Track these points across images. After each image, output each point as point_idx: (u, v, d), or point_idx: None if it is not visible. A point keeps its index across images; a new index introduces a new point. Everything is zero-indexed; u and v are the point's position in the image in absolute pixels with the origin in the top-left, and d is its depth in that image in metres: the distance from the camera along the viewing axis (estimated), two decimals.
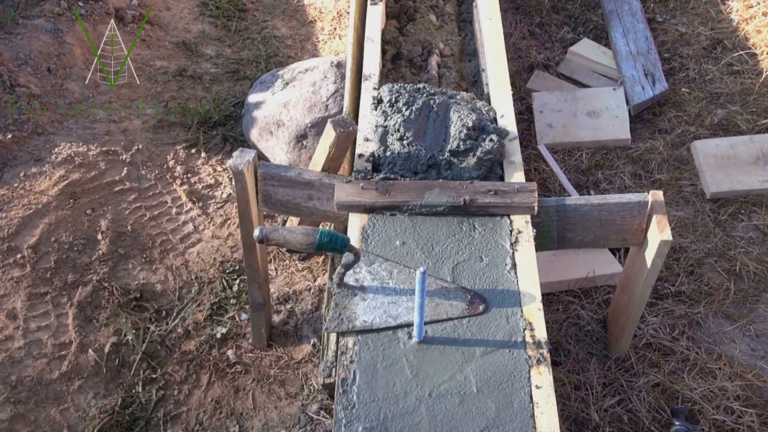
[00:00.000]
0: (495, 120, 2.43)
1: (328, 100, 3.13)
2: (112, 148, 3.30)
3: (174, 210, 3.15)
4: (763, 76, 3.69)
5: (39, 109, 3.38)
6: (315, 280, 2.94)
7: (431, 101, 2.32)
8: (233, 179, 2.20)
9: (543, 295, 1.98)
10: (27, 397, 2.52)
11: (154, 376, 2.63)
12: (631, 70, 3.72)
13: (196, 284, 2.90)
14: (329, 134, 2.34)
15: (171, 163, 3.31)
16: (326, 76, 3.19)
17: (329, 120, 2.33)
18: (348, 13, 4.16)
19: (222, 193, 3.23)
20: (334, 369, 2.22)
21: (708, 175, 3.26)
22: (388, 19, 3.14)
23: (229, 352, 2.69)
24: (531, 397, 1.72)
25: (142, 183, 3.22)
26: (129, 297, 2.82)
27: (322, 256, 3.00)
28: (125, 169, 3.24)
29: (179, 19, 4.18)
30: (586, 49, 3.94)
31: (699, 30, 3.99)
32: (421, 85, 2.43)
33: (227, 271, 2.94)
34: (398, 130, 2.28)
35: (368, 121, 2.39)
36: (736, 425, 2.45)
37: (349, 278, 1.96)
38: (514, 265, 2.00)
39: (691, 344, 2.70)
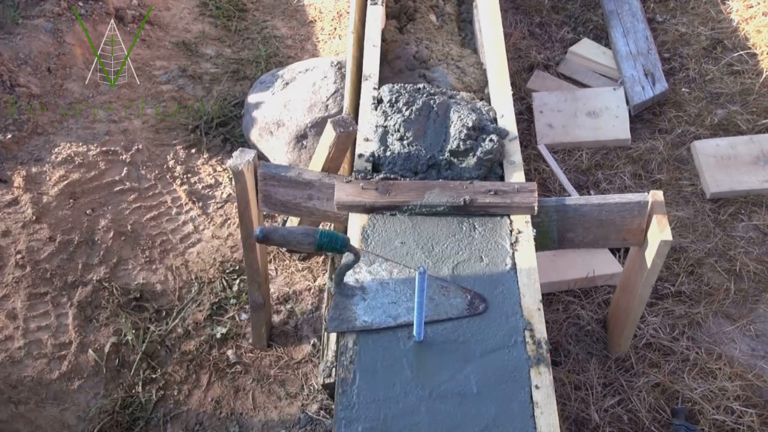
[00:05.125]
0: (495, 120, 2.43)
1: (328, 100, 3.13)
2: (112, 148, 3.30)
3: (174, 210, 3.15)
4: (763, 76, 3.69)
5: (39, 109, 3.38)
6: (315, 280, 2.94)
7: (431, 101, 2.32)
8: (233, 179, 2.20)
9: (543, 295, 1.98)
10: (27, 397, 2.52)
11: (154, 376, 2.63)
12: (631, 70, 3.72)
13: (196, 284, 2.90)
14: (329, 134, 2.34)
15: (171, 163, 3.31)
16: (326, 76, 3.19)
17: (329, 120, 2.33)
18: (348, 13, 4.16)
19: (222, 193, 3.23)
20: (334, 369, 2.22)
21: (708, 175, 3.26)
22: (388, 19, 3.14)
23: (229, 352, 2.69)
24: (531, 397, 1.72)
25: (142, 183, 3.22)
26: (129, 297, 2.82)
27: (322, 256, 3.00)
28: (125, 169, 3.23)
29: (179, 19, 4.18)
30: (586, 49, 3.94)
31: (699, 30, 3.99)
32: (421, 85, 2.43)
33: (227, 271, 2.94)
34: (398, 130, 2.28)
35: (368, 121, 2.39)
36: (736, 425, 2.45)
37: (349, 278, 1.96)
38: (514, 265, 2.00)
39: (691, 344, 2.70)
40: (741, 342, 2.74)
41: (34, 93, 3.41)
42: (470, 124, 2.25)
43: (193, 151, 3.39)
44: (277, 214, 3.07)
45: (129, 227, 3.04)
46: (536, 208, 2.12)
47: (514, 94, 2.68)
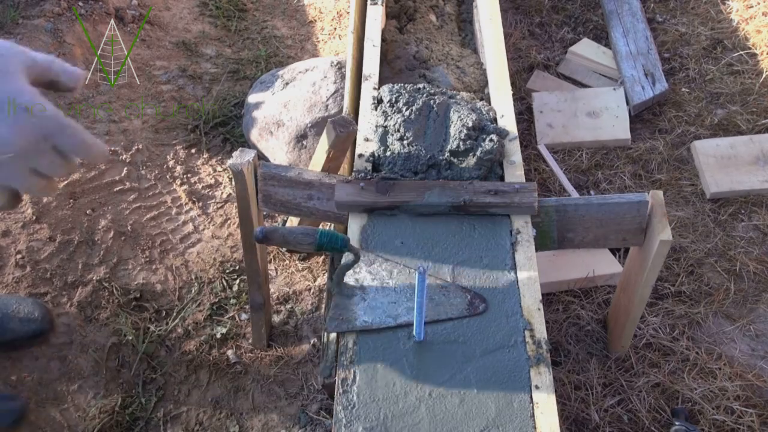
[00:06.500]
0: (495, 120, 2.43)
1: (328, 100, 3.13)
2: (112, 148, 3.30)
3: (174, 210, 3.15)
4: (763, 76, 3.69)
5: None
6: (315, 280, 2.94)
7: (431, 101, 2.32)
8: (233, 179, 2.20)
9: (543, 295, 1.98)
10: (27, 397, 2.52)
11: (154, 376, 2.63)
12: (631, 70, 3.72)
13: (196, 284, 2.90)
14: (329, 134, 2.34)
15: (171, 163, 3.31)
16: (326, 76, 3.19)
17: (329, 120, 2.33)
18: (348, 13, 4.16)
19: (222, 193, 3.23)
20: (334, 369, 2.22)
21: (708, 175, 3.26)
22: (388, 19, 3.14)
23: (229, 352, 2.70)
24: (531, 397, 1.72)
25: (142, 183, 3.22)
26: (129, 297, 2.82)
27: (322, 256, 3.00)
28: (125, 169, 3.24)
29: (179, 19, 4.18)
30: (586, 49, 3.94)
31: (699, 30, 4.00)
32: (421, 85, 2.43)
33: (227, 271, 2.94)
34: (398, 130, 2.28)
35: (368, 121, 2.39)
36: (736, 425, 2.45)
37: (349, 278, 1.95)
38: (514, 265, 2.00)
39: (691, 344, 2.70)
40: (741, 342, 2.74)
41: None
42: (470, 124, 2.24)
43: (193, 151, 3.39)
44: (277, 214, 3.07)
45: (129, 227, 3.04)
46: (536, 208, 2.12)
47: (514, 94, 2.68)
